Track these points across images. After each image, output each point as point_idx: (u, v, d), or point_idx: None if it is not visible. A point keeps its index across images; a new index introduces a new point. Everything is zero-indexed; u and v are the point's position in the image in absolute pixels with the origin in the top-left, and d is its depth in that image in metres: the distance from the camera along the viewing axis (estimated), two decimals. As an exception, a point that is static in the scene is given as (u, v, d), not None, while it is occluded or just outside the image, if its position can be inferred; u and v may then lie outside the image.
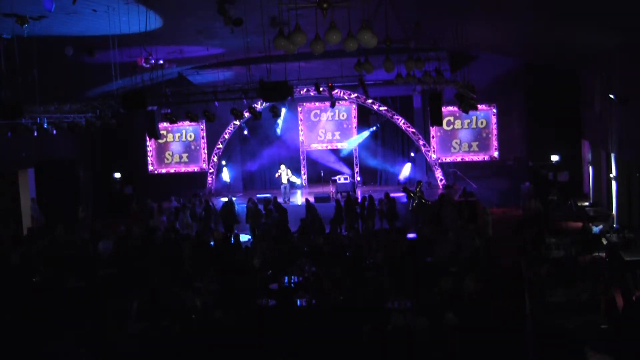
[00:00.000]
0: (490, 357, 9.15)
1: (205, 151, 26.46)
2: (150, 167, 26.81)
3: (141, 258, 14.74)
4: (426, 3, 13.53)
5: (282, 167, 23.20)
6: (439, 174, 24.38)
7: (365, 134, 25.26)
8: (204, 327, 10.12)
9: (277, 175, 23.20)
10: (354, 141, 25.32)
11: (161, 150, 26.80)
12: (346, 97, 24.21)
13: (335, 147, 25.82)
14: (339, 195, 22.01)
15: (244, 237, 18.71)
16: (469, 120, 24.54)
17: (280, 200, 20.82)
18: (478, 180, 23.75)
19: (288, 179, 22.92)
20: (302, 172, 25.78)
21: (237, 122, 24.18)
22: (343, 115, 25.68)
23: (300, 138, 25.79)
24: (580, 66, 21.23)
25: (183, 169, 26.75)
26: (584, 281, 11.40)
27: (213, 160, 25.84)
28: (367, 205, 19.39)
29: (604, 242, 15.10)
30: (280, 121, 24.83)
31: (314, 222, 18.56)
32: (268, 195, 21.77)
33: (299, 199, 22.63)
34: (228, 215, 19.96)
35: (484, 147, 24.73)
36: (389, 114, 24.12)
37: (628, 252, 13.62)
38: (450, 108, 23.23)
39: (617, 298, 10.71)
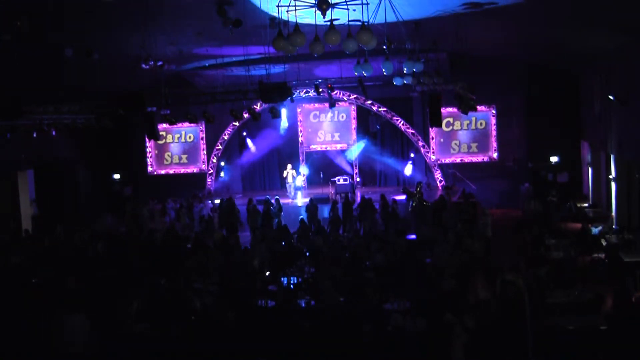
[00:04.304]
0: (489, 358, 9.13)
1: (205, 152, 26.48)
2: (149, 168, 26.83)
3: (141, 259, 14.74)
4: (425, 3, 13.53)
5: (289, 166, 23.26)
6: (438, 175, 24.37)
7: (361, 145, 25.24)
8: (204, 328, 10.11)
9: (284, 175, 23.24)
10: (354, 150, 25.34)
11: (160, 151, 26.82)
12: (345, 98, 24.20)
13: (335, 148, 25.82)
14: (338, 197, 22.00)
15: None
16: (468, 122, 24.53)
17: (288, 199, 20.84)
18: (477, 181, 23.74)
19: (294, 179, 22.98)
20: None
21: (237, 124, 24.20)
22: (342, 117, 25.68)
23: (300, 139, 25.79)
24: (580, 67, 21.25)
25: (182, 170, 26.76)
26: (584, 282, 11.41)
27: (212, 161, 25.84)
28: (363, 207, 19.38)
29: (604, 243, 15.10)
30: (283, 122, 24.81)
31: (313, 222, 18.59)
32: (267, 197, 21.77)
33: (299, 199, 22.61)
34: (231, 216, 19.96)
35: (483, 148, 24.73)
36: (389, 115, 24.11)
37: (627, 253, 13.63)
38: (450, 109, 23.22)
39: (616, 299, 10.70)
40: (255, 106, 20.76)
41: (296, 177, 23.12)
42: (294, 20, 8.86)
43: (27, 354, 9.70)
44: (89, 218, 22.64)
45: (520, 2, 12.36)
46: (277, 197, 20.76)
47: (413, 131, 24.26)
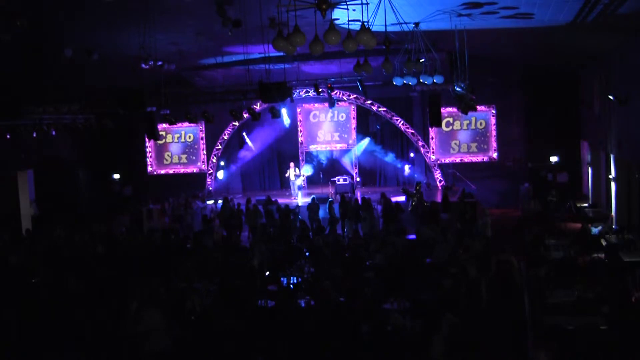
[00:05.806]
0: (489, 358, 9.14)
1: (204, 152, 26.49)
2: (149, 168, 26.84)
3: (140, 259, 14.73)
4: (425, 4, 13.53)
5: (292, 164, 23.32)
6: (438, 174, 24.38)
7: (365, 142, 25.23)
8: (203, 328, 10.10)
9: (286, 174, 23.31)
10: (359, 148, 25.35)
11: (160, 151, 26.83)
12: (345, 98, 24.20)
13: (334, 148, 25.81)
14: (337, 197, 22.01)
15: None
16: (468, 121, 24.54)
17: (290, 198, 21.28)
18: (477, 181, 23.75)
19: (296, 177, 23.05)
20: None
21: (236, 123, 24.21)
22: (342, 117, 25.67)
23: (300, 139, 25.79)
24: (580, 66, 21.24)
25: (182, 170, 26.77)
26: (584, 282, 11.39)
27: (212, 161, 25.84)
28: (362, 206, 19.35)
29: (603, 243, 15.09)
30: (285, 119, 24.82)
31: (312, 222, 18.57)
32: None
33: (299, 199, 22.61)
34: (231, 216, 19.94)
35: (483, 148, 24.74)
36: (388, 115, 24.11)
37: (627, 253, 13.62)
38: (450, 109, 23.23)
39: (616, 299, 10.69)
40: (255, 106, 20.76)
41: (297, 176, 23.16)
42: (295, 20, 8.85)
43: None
44: (89, 218, 22.66)
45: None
46: (276, 199, 20.76)
47: (413, 131, 24.27)
